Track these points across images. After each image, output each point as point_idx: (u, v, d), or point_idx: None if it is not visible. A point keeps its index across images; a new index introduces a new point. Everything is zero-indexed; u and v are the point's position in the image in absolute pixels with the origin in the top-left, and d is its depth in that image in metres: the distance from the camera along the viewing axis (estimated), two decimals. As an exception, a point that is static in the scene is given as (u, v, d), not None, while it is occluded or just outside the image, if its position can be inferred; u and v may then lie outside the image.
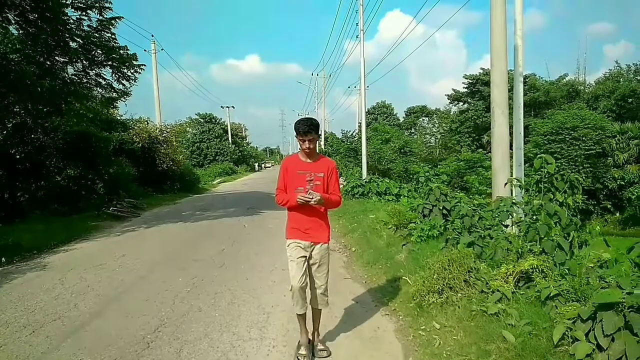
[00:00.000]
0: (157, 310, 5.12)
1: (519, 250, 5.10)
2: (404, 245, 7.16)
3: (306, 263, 3.81)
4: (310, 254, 3.84)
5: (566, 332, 3.40)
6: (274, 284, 6.06)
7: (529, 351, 3.40)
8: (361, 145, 21.93)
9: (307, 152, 3.78)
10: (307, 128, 3.68)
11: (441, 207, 7.81)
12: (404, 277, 5.70)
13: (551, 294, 4.04)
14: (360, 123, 27.33)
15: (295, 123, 3.76)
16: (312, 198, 3.66)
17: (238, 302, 5.34)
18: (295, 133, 3.76)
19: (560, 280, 4.31)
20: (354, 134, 38.62)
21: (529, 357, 3.35)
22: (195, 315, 4.93)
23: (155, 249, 8.75)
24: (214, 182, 35.32)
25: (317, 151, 3.97)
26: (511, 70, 10.14)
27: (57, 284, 6.31)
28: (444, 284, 4.71)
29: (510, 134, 9.62)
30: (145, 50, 27.77)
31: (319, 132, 3.73)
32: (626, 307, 3.15)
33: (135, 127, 22.52)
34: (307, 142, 3.71)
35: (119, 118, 22.40)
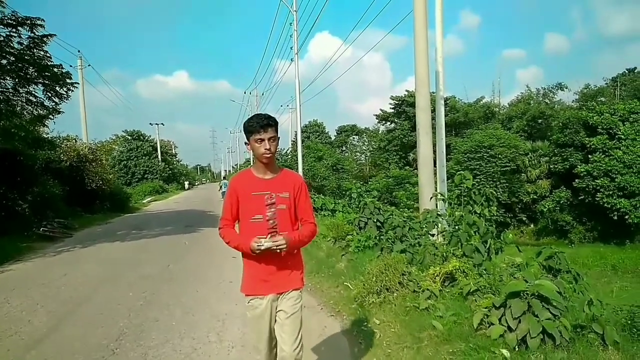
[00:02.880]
0: (114, 322, 5.34)
1: (444, 254, 5.88)
2: (343, 255, 7.79)
3: (271, 323, 2.93)
4: (276, 308, 2.92)
5: (483, 319, 4.12)
6: (224, 295, 6.43)
7: (454, 336, 4.08)
8: (297, 163, 22.56)
9: (265, 160, 2.76)
10: (265, 121, 2.72)
11: (375, 220, 8.52)
12: (345, 283, 6.30)
13: (471, 290, 4.81)
14: (295, 141, 28.02)
15: (247, 121, 2.80)
16: (277, 244, 2.71)
17: (192, 312, 5.67)
18: (246, 136, 2.80)
19: (478, 279, 5.07)
20: (287, 151, 39.25)
21: (454, 340, 4.02)
22: (153, 325, 5.22)
23: (97, 268, 8.77)
24: (145, 201, 34.47)
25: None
26: (433, 93, 11.22)
27: (4, 303, 6.30)
28: (381, 286, 5.35)
29: (434, 152, 10.62)
30: (71, 66, 26.99)
31: (278, 134, 2.85)
32: (529, 295, 3.90)
33: (63, 146, 21.82)
34: (267, 141, 2.72)
35: (45, 136, 21.60)
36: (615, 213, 21.38)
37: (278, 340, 2.90)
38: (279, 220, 2.82)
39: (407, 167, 30.96)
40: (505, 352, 3.60)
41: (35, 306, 6.12)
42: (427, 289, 5.08)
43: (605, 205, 21.62)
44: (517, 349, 3.68)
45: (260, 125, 2.72)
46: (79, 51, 28.17)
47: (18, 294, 6.78)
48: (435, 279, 5.28)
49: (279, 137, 2.86)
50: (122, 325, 5.20)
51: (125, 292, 6.72)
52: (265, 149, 2.73)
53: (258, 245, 2.68)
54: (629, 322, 4.05)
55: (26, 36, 12.66)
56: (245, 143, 2.86)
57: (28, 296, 6.66)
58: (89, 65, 28.77)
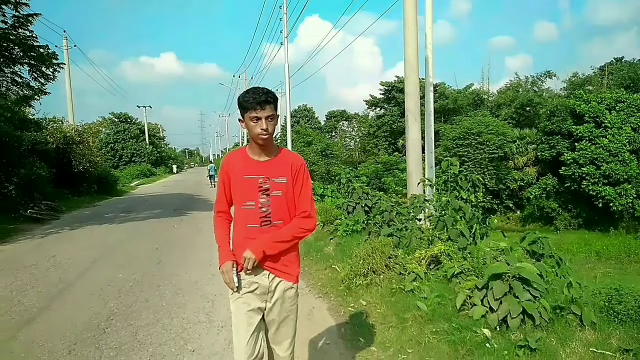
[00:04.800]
0: (104, 302, 5.40)
1: (430, 238, 5.99)
2: (331, 239, 7.89)
3: (262, 320, 2.53)
4: (268, 303, 2.52)
5: (466, 300, 4.24)
6: (214, 277, 6.49)
7: (437, 316, 4.19)
8: (286, 147, 22.58)
9: (261, 141, 2.42)
10: (263, 97, 2.35)
11: (363, 205, 8.61)
12: (333, 266, 6.40)
13: (455, 272, 4.93)
14: (285, 125, 27.99)
15: (242, 94, 2.43)
16: (244, 264, 2.41)
17: (182, 293, 5.75)
18: (240, 112, 2.43)
19: (462, 262, 5.19)
20: (277, 136, 39.18)
21: (438, 320, 4.13)
22: (143, 305, 5.29)
23: (85, 250, 8.78)
24: (132, 184, 34.34)
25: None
26: (422, 79, 11.27)
27: (-8, 284, 6.33)
28: (368, 269, 5.45)
29: (423, 138, 10.71)
30: (56, 46, 26.56)
31: (277, 111, 2.48)
32: (510, 277, 4.02)
33: (49, 127, 21.59)
34: (263, 121, 2.36)
35: (31, 117, 21.36)
36: (600, 200, 21.69)
37: (270, 343, 2.61)
38: (273, 208, 2.47)
39: (396, 153, 31.08)
40: (486, 331, 3.72)
41: (25, 287, 6.15)
42: (413, 272, 5.20)
43: (591, 192, 21.91)
44: (498, 329, 3.80)
45: (257, 101, 2.34)
46: (64, 31, 27.71)
47: (7, 275, 6.80)
48: (420, 262, 5.40)
49: (278, 115, 2.49)
50: (112, 306, 5.26)
51: (115, 274, 6.76)
52: (262, 129, 2.37)
53: (225, 273, 2.45)
54: (607, 304, 4.18)
55: (10, 15, 12.49)
56: (240, 120, 2.49)
57: (17, 277, 6.68)
58: (74, 46, 28.33)
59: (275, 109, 2.43)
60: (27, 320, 4.84)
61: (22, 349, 4.12)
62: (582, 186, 22.27)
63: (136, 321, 4.76)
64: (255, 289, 2.48)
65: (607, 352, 3.35)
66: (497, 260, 4.91)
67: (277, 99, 2.46)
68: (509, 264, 4.25)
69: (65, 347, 4.13)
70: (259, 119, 2.36)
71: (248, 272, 2.44)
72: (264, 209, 2.47)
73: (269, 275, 2.50)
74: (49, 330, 4.54)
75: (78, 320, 4.81)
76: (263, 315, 2.52)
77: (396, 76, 39.65)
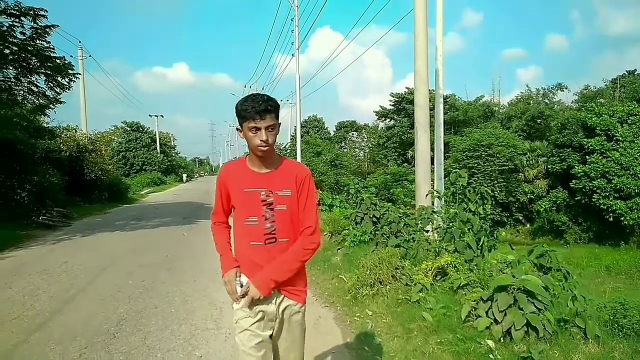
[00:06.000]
0: (114, 308, 5.50)
1: (437, 250, 6.02)
2: (338, 249, 7.94)
3: (270, 350, 2.38)
4: (275, 329, 2.39)
5: (471, 311, 4.28)
6: (222, 284, 6.49)
7: (442, 327, 4.23)
8: (296, 158, 22.75)
9: (260, 153, 2.24)
10: (263, 105, 2.16)
11: (371, 215, 8.66)
12: (340, 276, 6.45)
13: (461, 284, 4.98)
14: (295, 136, 28.15)
15: (241, 102, 2.22)
16: (249, 295, 2.28)
17: (191, 300, 5.83)
18: (239, 121, 2.24)
19: (469, 274, 5.23)
20: (286, 146, 39.36)
21: (442, 331, 4.17)
22: (152, 312, 5.37)
23: (97, 256, 8.91)
24: (143, 193, 34.63)
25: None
26: (432, 90, 11.35)
27: (5, 287, 6.46)
28: (375, 279, 5.51)
29: (432, 150, 10.76)
30: (71, 56, 27.09)
31: (279, 119, 2.28)
32: (515, 289, 4.06)
33: (63, 135, 21.95)
34: (263, 131, 2.18)
35: (45, 126, 21.73)
36: (611, 214, 21.50)
37: None
38: (278, 224, 2.30)
39: (405, 164, 31.04)
40: (490, 342, 3.76)
41: (37, 291, 6.27)
42: (419, 283, 5.24)
43: (602, 206, 21.73)
44: (502, 340, 3.84)
45: (256, 110, 2.15)
46: (79, 42, 28.31)
47: (19, 280, 6.93)
48: (427, 273, 5.44)
49: (280, 124, 2.29)
50: (122, 311, 5.36)
51: (125, 280, 6.87)
52: (262, 141, 2.18)
53: (228, 283, 2.37)
54: (611, 317, 4.20)
55: (29, 26, 12.80)
56: (238, 129, 2.30)
57: (29, 282, 6.81)
58: (89, 56, 28.85)
59: (277, 117, 2.24)
60: (39, 324, 4.94)
61: (35, 352, 4.22)
62: (593, 200, 22.11)
63: (145, 327, 4.85)
64: (262, 317, 2.35)
65: (610, 365, 3.37)
66: (504, 273, 4.94)
67: (278, 106, 2.25)
68: (514, 277, 4.29)
69: (76, 350, 4.22)
70: (258, 129, 2.18)
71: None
72: (267, 225, 2.30)
73: (275, 300, 2.36)
74: (60, 334, 4.63)
75: (89, 324, 4.91)
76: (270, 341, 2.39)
77: (406, 87, 39.79)
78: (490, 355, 3.64)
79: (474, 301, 4.36)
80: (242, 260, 2.38)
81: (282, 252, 2.31)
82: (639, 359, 3.42)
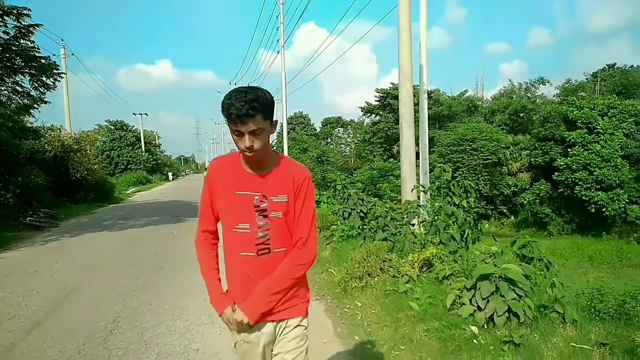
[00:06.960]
0: (109, 306, 5.60)
1: (423, 242, 6.22)
2: (327, 244, 8.11)
3: None
4: (276, 344, 2.15)
5: (456, 300, 4.47)
6: (214, 281, 6.68)
7: (429, 315, 4.42)
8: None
9: (247, 159, 2.02)
10: (245, 108, 1.84)
11: (359, 210, 8.84)
12: (329, 270, 6.61)
13: (446, 274, 5.17)
14: (281, 132, 28.22)
15: (226, 97, 1.91)
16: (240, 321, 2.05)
17: (184, 297, 5.94)
18: (225, 120, 1.93)
19: (453, 265, 5.42)
20: (273, 143, 39.43)
21: (429, 319, 4.36)
22: (147, 308, 5.49)
23: (87, 256, 8.97)
24: (129, 192, 34.46)
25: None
26: (417, 86, 11.54)
27: (-2, 289, 6.51)
28: (363, 272, 5.68)
29: (417, 145, 10.96)
30: (54, 55, 26.77)
31: (274, 116, 1.99)
32: (497, 277, 4.25)
33: (47, 135, 21.76)
34: (247, 137, 1.90)
35: (30, 126, 21.54)
36: (593, 206, 21.99)
37: None
38: (272, 232, 2.04)
39: (391, 160, 31.27)
40: (474, 328, 3.95)
41: (31, 292, 6.33)
42: (406, 274, 5.42)
43: (584, 198, 22.22)
44: (485, 326, 4.03)
45: (236, 114, 1.85)
46: (62, 40, 27.99)
47: (12, 281, 6.98)
48: (413, 265, 5.63)
49: (276, 121, 2.02)
50: (117, 309, 5.46)
51: (118, 279, 6.96)
52: (246, 147, 1.91)
53: (228, 323, 2.13)
54: (589, 303, 4.43)
55: (12, 26, 12.70)
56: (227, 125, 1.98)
57: (22, 283, 6.85)
58: (72, 55, 28.57)
59: (267, 117, 1.92)
60: (35, 323, 5.03)
61: (34, 350, 4.31)
62: (575, 192, 22.58)
63: (141, 323, 4.96)
64: (259, 339, 2.11)
65: (585, 347, 3.58)
66: (486, 263, 5.15)
67: (268, 104, 1.92)
68: (496, 266, 4.49)
69: (74, 347, 4.32)
70: (242, 134, 1.90)
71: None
72: (260, 234, 2.04)
73: (271, 318, 2.11)
74: (57, 332, 4.73)
75: (85, 322, 5.01)
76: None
77: (391, 83, 39.99)
78: (474, 341, 3.82)
79: (458, 290, 4.56)
80: (234, 274, 2.11)
81: (278, 264, 2.05)
82: (612, 340, 3.62)
